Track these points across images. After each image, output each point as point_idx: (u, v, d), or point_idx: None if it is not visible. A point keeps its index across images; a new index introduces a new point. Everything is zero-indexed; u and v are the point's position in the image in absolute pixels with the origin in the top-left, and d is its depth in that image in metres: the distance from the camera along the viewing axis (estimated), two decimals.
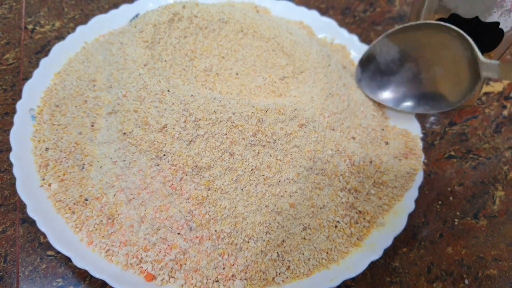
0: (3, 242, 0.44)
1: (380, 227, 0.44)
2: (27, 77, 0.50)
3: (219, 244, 0.40)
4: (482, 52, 0.53)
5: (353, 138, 0.48)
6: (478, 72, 0.47)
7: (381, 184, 0.47)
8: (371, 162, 0.47)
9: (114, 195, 0.41)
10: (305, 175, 0.43)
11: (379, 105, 0.54)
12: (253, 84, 0.49)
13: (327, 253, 0.42)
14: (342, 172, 0.45)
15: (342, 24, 0.63)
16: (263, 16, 0.53)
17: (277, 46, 0.50)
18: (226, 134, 0.41)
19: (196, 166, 0.40)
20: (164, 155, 0.40)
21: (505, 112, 0.61)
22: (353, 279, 0.41)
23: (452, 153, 0.57)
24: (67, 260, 0.43)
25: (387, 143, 0.51)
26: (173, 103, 0.41)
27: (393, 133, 0.53)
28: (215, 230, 0.40)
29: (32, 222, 0.42)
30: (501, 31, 0.48)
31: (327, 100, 0.47)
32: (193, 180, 0.40)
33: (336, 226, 0.43)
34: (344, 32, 0.60)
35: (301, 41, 0.50)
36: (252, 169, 0.41)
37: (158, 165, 0.40)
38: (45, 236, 0.41)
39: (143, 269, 0.40)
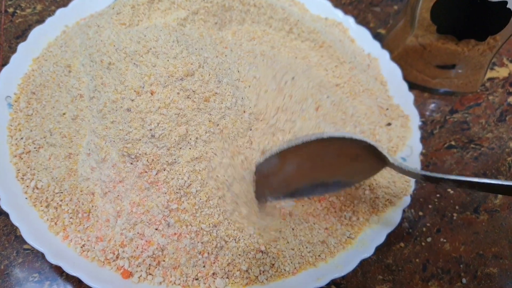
0: None
1: (373, 224, 0.42)
2: (6, 62, 0.48)
3: (198, 242, 0.37)
4: (488, 35, 0.50)
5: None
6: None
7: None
8: None
9: (89, 187, 0.39)
10: None
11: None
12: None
13: (314, 251, 0.40)
14: None
15: (337, 5, 0.60)
16: None
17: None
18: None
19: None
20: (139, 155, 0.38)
21: (510, 99, 0.58)
22: (343, 277, 0.39)
23: (453, 142, 0.54)
24: (44, 254, 0.41)
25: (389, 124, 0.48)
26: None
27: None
28: (194, 228, 0.37)
29: (8, 215, 0.40)
30: (509, 11, 0.45)
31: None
32: (169, 172, 0.38)
33: (326, 228, 0.41)
34: (339, 13, 0.57)
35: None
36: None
37: (131, 163, 0.38)
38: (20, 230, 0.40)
39: (120, 265, 0.38)
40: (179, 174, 0.38)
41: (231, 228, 0.38)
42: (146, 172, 0.38)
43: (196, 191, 0.38)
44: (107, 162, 0.39)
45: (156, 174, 0.38)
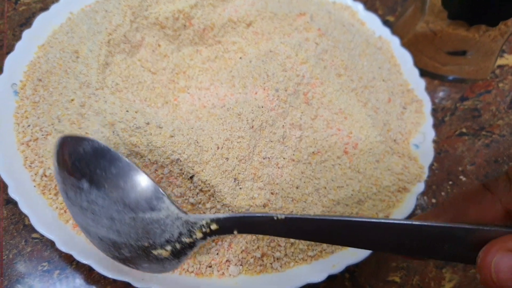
0: None
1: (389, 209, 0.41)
2: (10, 50, 0.47)
3: None
4: (500, 20, 0.49)
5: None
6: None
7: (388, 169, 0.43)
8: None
9: None
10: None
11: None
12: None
13: None
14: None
15: None
16: None
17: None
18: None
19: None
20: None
21: None
22: (356, 264, 0.39)
23: (464, 130, 0.53)
24: (53, 243, 0.40)
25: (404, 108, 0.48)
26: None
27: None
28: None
29: (16, 203, 0.40)
30: None
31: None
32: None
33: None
34: (347, 0, 0.56)
35: None
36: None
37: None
38: (29, 218, 0.39)
39: None
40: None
41: None
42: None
43: None
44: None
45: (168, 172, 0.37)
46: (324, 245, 0.39)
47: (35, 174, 0.40)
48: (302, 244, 0.38)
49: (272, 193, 0.38)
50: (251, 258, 0.37)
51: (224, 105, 0.41)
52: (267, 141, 0.40)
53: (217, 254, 0.37)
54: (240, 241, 0.37)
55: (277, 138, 0.40)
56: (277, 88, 0.41)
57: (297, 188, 0.39)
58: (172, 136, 0.37)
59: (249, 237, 0.37)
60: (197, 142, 0.38)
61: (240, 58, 0.45)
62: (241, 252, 0.37)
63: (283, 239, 0.38)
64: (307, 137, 0.41)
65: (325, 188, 0.40)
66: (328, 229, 0.27)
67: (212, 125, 0.39)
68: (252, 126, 0.39)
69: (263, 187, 0.38)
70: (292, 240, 0.38)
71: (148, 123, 0.38)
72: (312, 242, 0.38)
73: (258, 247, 0.37)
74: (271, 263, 0.37)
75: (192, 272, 0.37)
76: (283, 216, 0.28)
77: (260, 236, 0.37)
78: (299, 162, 0.40)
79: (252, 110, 0.39)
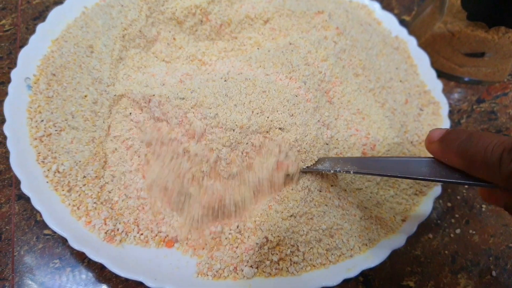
0: None
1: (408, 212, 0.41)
2: (24, 44, 0.46)
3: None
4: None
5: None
6: None
7: None
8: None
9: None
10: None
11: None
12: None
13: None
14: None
15: None
16: None
17: None
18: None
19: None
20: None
21: None
22: (371, 268, 0.38)
23: None
24: (65, 240, 0.40)
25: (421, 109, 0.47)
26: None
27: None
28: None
29: (28, 199, 0.39)
30: None
31: None
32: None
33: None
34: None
35: None
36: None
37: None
38: (41, 214, 0.38)
39: None
40: None
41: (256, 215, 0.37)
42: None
43: None
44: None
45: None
46: (344, 249, 0.38)
47: (48, 170, 0.39)
48: (321, 248, 0.38)
49: None
50: (268, 261, 0.37)
51: (241, 73, 0.40)
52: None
53: (233, 256, 0.37)
54: (255, 243, 0.37)
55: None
56: (305, 81, 0.40)
57: (320, 191, 0.38)
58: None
59: (261, 240, 0.37)
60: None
61: (258, 48, 0.44)
62: (258, 254, 0.37)
63: (303, 244, 0.37)
64: (332, 137, 0.40)
65: (345, 190, 0.39)
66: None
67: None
68: (292, 115, 0.38)
69: None
70: (312, 245, 0.38)
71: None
72: (333, 247, 0.38)
73: (276, 251, 0.37)
74: (287, 267, 0.37)
75: (207, 274, 0.36)
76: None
77: (282, 241, 0.37)
78: None
79: (286, 98, 0.38)
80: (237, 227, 0.37)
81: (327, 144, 0.39)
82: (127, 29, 0.42)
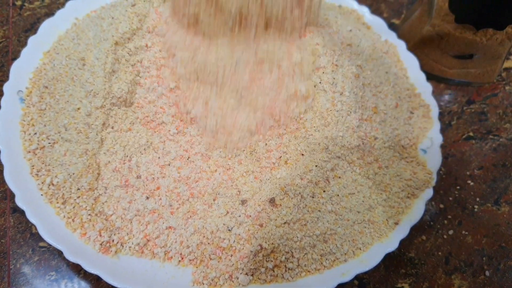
0: None
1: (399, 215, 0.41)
2: (16, 56, 0.47)
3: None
4: (507, 24, 0.49)
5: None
6: None
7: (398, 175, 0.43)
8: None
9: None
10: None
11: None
12: None
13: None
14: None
15: None
16: None
17: None
18: None
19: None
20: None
21: None
22: (365, 272, 0.38)
23: (471, 133, 0.53)
24: (60, 252, 0.40)
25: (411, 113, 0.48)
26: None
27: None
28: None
29: (23, 212, 0.39)
30: None
31: None
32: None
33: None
34: (353, 3, 0.56)
35: None
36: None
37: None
38: (36, 227, 0.39)
39: None
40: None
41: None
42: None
43: None
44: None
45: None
46: (338, 254, 0.38)
47: (42, 183, 0.40)
48: (315, 254, 0.38)
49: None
50: (263, 268, 0.37)
51: None
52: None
53: (228, 264, 0.37)
54: (247, 252, 0.37)
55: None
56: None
57: (312, 197, 0.39)
58: None
59: (255, 248, 0.37)
60: None
61: None
62: (248, 261, 0.37)
63: (298, 250, 0.37)
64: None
65: (338, 195, 0.40)
66: None
67: None
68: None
69: None
70: (306, 251, 0.38)
71: None
72: (327, 252, 0.38)
73: (270, 258, 0.37)
74: (282, 274, 0.37)
75: (202, 282, 0.37)
76: None
77: (277, 248, 0.37)
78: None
79: None
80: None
81: None
82: (119, 43, 0.42)
